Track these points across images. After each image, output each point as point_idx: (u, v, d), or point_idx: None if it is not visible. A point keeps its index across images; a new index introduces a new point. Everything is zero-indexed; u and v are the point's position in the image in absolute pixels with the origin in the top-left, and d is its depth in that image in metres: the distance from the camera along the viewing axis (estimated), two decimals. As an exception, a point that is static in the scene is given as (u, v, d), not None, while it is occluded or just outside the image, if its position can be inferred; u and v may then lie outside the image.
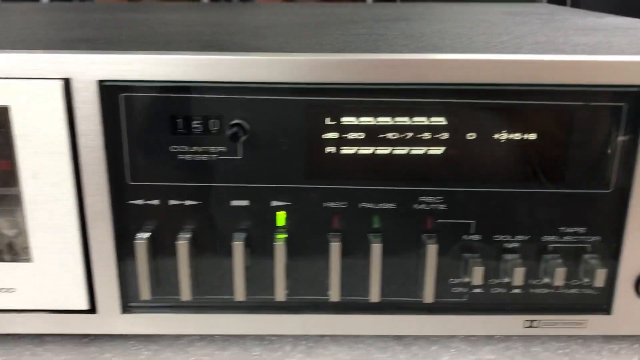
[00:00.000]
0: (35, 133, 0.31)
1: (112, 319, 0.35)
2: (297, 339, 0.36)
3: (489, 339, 0.37)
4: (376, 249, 0.33)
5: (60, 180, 0.32)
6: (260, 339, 0.36)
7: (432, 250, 0.33)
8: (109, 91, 0.31)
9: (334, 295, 0.34)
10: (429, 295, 0.34)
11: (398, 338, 0.37)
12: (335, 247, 0.33)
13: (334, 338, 0.37)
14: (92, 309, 0.35)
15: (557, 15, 0.59)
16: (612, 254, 0.33)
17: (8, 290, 0.34)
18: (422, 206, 0.33)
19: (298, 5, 0.78)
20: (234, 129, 0.31)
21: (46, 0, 1.75)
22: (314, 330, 0.35)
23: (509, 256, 0.34)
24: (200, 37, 0.38)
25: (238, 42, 0.37)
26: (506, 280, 0.34)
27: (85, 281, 0.34)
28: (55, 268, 0.33)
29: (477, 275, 0.33)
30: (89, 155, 0.31)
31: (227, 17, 0.57)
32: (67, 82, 0.30)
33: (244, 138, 0.31)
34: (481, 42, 0.37)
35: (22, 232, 0.36)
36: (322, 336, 0.37)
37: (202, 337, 0.37)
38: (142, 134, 0.32)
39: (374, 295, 0.34)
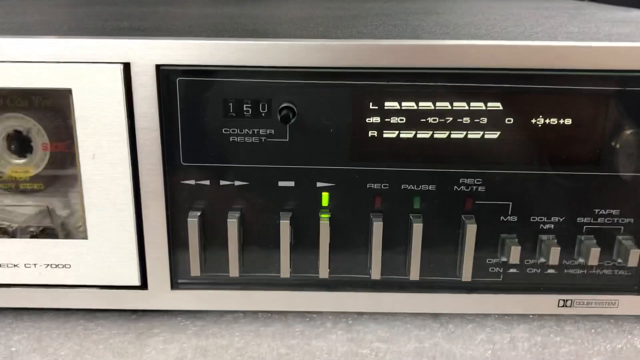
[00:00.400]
0: (95, 115, 0.33)
1: (161, 294, 0.36)
2: (337, 316, 0.38)
3: (523, 317, 0.38)
4: (417, 229, 0.34)
5: (117, 161, 0.33)
6: (302, 315, 0.38)
7: (471, 230, 0.34)
8: (166, 75, 0.32)
9: (375, 273, 0.35)
10: (467, 274, 0.35)
11: (435, 316, 0.38)
12: (377, 227, 0.34)
13: (373, 315, 0.38)
14: (144, 285, 0.36)
15: (584, 10, 0.60)
16: (645, 235, 0.35)
17: (64, 266, 0.36)
18: (462, 188, 0.34)
19: (326, 1, 0.79)
20: (285, 112, 0.32)
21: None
22: (354, 307, 0.36)
23: (544, 237, 0.35)
24: (245, 27, 0.40)
25: (282, 31, 0.38)
26: (542, 260, 0.35)
27: (138, 258, 0.35)
28: (110, 245, 0.35)
29: (514, 254, 0.34)
30: (146, 136, 0.33)
31: (261, 10, 0.58)
32: (126, 66, 0.32)
33: (293, 120, 0.32)
34: (517, 32, 0.39)
35: (74, 212, 0.38)
36: (362, 313, 0.38)
37: (246, 314, 0.38)
38: (195, 117, 0.33)
39: (414, 274, 0.35)
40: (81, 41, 0.32)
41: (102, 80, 0.32)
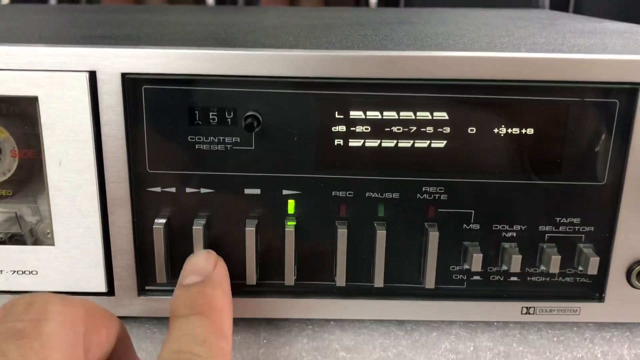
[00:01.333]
0: (61, 122, 0.33)
1: (128, 301, 0.36)
2: (303, 322, 0.38)
3: (487, 325, 0.38)
4: (381, 236, 0.35)
5: (83, 168, 0.34)
6: (267, 322, 0.38)
7: (434, 237, 0.35)
8: (132, 83, 0.33)
9: (340, 280, 0.35)
10: (430, 281, 0.36)
11: (400, 323, 0.38)
12: (342, 234, 0.35)
13: (339, 323, 0.38)
14: (110, 292, 0.36)
15: (557, 20, 0.61)
16: (605, 243, 0.35)
17: (31, 272, 0.36)
18: (425, 196, 0.35)
19: (305, 9, 0.80)
20: (249, 120, 0.33)
21: (54, 1, 1.77)
22: (320, 314, 0.37)
23: (506, 244, 0.35)
24: (216, 36, 0.40)
25: (251, 40, 0.39)
26: (504, 268, 0.36)
27: (105, 264, 0.36)
28: (76, 252, 0.35)
29: (476, 262, 0.35)
30: (112, 144, 0.33)
31: (238, 18, 0.59)
32: (92, 75, 0.32)
33: (258, 129, 0.33)
34: (483, 42, 0.39)
35: (43, 219, 0.38)
36: (328, 321, 0.38)
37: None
38: (161, 125, 0.33)
39: (379, 281, 0.35)
40: (47, 49, 0.32)
41: (68, 89, 0.32)
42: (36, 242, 0.38)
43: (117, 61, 0.32)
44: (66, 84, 0.32)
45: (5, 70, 0.32)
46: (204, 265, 0.33)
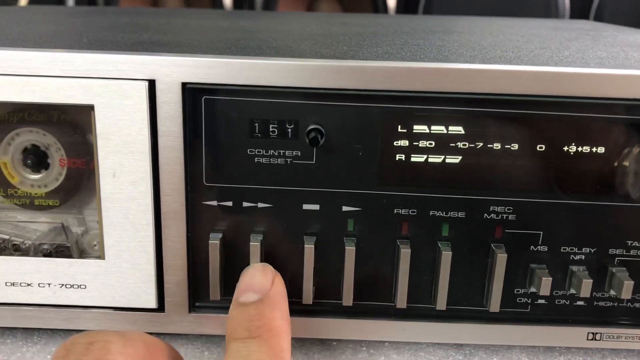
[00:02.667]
0: (117, 132, 0.32)
1: (178, 318, 0.35)
2: (358, 344, 0.37)
3: (549, 350, 0.37)
4: (446, 257, 0.33)
5: (138, 180, 0.32)
6: (321, 343, 0.37)
7: (501, 259, 0.33)
8: (192, 93, 0.31)
9: (401, 302, 0.34)
10: (495, 304, 0.34)
11: (458, 347, 0.37)
12: (405, 254, 0.33)
13: (394, 344, 0.37)
14: (160, 308, 0.35)
15: (604, 32, 0.59)
16: (679, 269, 0.34)
17: (79, 286, 0.35)
18: (492, 216, 0.33)
19: (340, 15, 0.79)
20: (313, 134, 0.31)
21: (72, 3, 1.77)
22: (377, 336, 0.35)
23: (575, 268, 0.34)
24: (268, 44, 0.39)
25: (306, 49, 0.37)
26: (571, 292, 0.34)
27: (156, 280, 0.34)
28: (127, 266, 0.34)
29: (544, 286, 0.33)
30: (168, 155, 0.32)
31: (278, 25, 0.57)
32: (151, 84, 0.31)
33: (322, 142, 0.32)
34: (545, 56, 0.38)
35: (89, 230, 0.36)
36: (383, 342, 0.37)
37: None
38: (220, 136, 0.32)
39: (441, 303, 0.34)
40: (106, 56, 0.31)
41: (125, 98, 0.31)
42: (82, 253, 0.37)
43: (177, 70, 0.31)
44: (124, 93, 0.31)
45: (60, 77, 0.31)
46: (261, 282, 0.32)
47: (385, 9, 1.76)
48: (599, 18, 1.68)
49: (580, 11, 1.72)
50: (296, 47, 0.38)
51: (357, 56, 0.34)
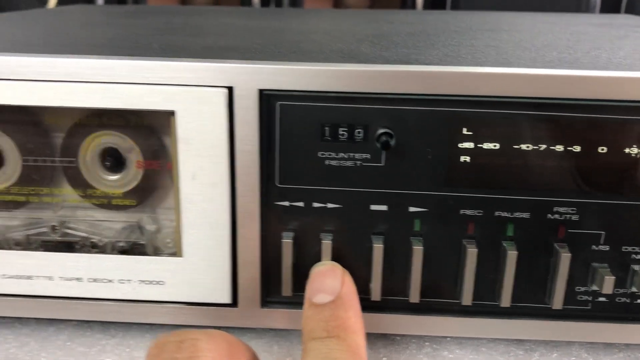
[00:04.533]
0: (197, 137, 0.33)
1: (251, 313, 0.37)
2: (421, 339, 0.38)
3: (609, 347, 0.38)
4: (512, 257, 0.34)
5: (216, 182, 0.34)
6: (385, 337, 0.38)
7: (565, 258, 0.34)
8: (268, 99, 0.33)
9: (467, 299, 0.35)
10: (558, 302, 0.35)
11: (519, 343, 0.38)
12: (471, 253, 0.34)
13: (457, 339, 0.38)
14: (234, 303, 0.37)
15: (653, 29, 0.60)
16: None
17: (158, 282, 0.36)
18: (556, 216, 0.34)
19: (374, 12, 0.79)
20: (384, 138, 0.32)
21: (101, 1, 1.79)
22: (442, 331, 0.37)
23: (637, 267, 0.35)
24: (329, 47, 0.40)
25: (369, 53, 0.38)
26: (632, 290, 0.35)
27: (230, 276, 0.36)
28: (204, 263, 0.36)
29: (607, 284, 0.34)
30: (245, 158, 0.34)
31: (324, 24, 0.59)
32: (230, 90, 0.33)
33: (392, 146, 0.33)
34: (603, 58, 0.38)
35: (162, 228, 0.38)
36: (445, 337, 0.38)
37: (330, 334, 0.38)
38: (293, 140, 0.33)
39: (505, 301, 0.35)
40: (187, 64, 0.32)
41: (205, 104, 0.33)
42: (156, 250, 0.38)
43: (255, 77, 0.32)
44: (204, 100, 0.33)
45: (142, 84, 0.33)
46: (332, 283, 0.33)
47: (413, 4, 1.76)
48: (630, 11, 1.66)
49: (610, 3, 1.69)
50: (357, 49, 0.40)
51: (421, 60, 0.35)
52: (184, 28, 0.51)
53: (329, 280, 0.33)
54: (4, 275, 0.37)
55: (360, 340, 0.31)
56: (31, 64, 0.33)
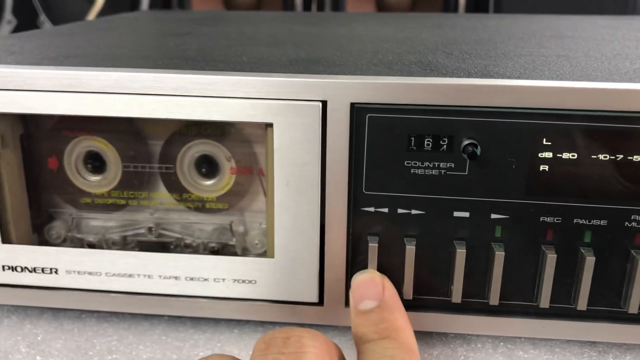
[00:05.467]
0: (292, 147, 0.35)
1: (336, 311, 0.39)
2: (496, 339, 0.40)
3: (682, 349, 0.39)
4: (589, 263, 0.36)
5: (308, 189, 0.36)
6: (462, 337, 0.40)
7: (641, 264, 0.35)
8: (358, 112, 0.35)
9: (544, 302, 0.37)
10: (634, 305, 0.36)
11: (593, 345, 0.39)
12: (551, 259, 0.36)
13: (531, 340, 0.40)
14: (320, 302, 0.39)
15: None
16: None
17: (250, 281, 0.39)
18: (633, 224, 0.36)
19: (431, 16, 0.81)
20: (471, 149, 0.34)
21: (145, 6, 1.83)
22: (519, 332, 0.38)
23: None
24: (407, 59, 0.42)
25: (448, 64, 0.40)
26: None
27: (318, 277, 0.38)
28: (294, 264, 0.38)
29: (683, 290, 0.35)
30: (335, 167, 0.36)
31: (386, 31, 0.60)
32: (324, 104, 0.35)
33: (478, 156, 0.35)
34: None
35: (248, 230, 0.41)
36: (519, 338, 0.40)
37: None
38: (380, 150, 0.36)
39: (582, 304, 0.37)
40: (285, 80, 0.35)
41: (301, 117, 0.35)
42: (244, 251, 0.41)
43: (348, 92, 0.34)
44: (300, 113, 0.35)
45: (243, 98, 0.35)
46: (374, 290, 0.36)
47: (456, 5, 1.76)
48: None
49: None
50: (435, 60, 0.41)
51: (501, 72, 0.37)
52: (260, 37, 0.54)
53: (371, 288, 0.36)
54: (107, 273, 0.40)
55: (411, 337, 0.34)
56: (140, 79, 0.35)
